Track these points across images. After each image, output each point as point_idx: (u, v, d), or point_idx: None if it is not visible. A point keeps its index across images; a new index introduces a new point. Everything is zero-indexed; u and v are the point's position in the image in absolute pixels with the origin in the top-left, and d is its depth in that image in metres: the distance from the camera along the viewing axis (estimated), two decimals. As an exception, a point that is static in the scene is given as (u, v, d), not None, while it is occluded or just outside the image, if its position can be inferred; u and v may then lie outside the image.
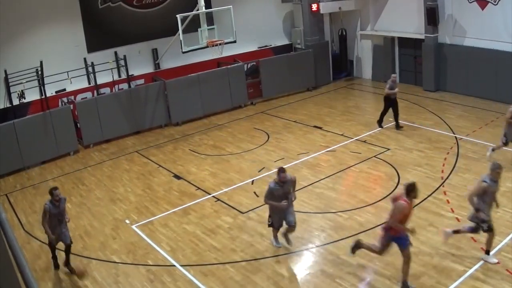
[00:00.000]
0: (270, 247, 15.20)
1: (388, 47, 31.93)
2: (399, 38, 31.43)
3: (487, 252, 13.45)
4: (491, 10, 26.04)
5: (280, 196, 14.20)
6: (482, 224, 12.98)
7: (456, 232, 13.74)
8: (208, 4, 26.33)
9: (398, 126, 23.95)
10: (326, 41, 33.25)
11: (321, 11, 31.87)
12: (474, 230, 13.38)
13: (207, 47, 24.77)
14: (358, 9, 32.67)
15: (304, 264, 14.54)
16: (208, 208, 18.05)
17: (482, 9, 26.44)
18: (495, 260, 13.36)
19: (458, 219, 15.64)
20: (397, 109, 23.88)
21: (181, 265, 14.68)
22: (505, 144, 19.27)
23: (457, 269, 13.29)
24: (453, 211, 16.20)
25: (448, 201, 16.89)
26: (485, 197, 12.94)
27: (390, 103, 23.81)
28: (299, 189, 18.53)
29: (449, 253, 14.03)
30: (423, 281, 12.92)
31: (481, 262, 13.45)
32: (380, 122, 24.28)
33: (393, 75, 24.02)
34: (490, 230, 13.07)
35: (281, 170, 14.35)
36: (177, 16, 23.50)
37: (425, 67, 29.72)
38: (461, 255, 13.89)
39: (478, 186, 12.98)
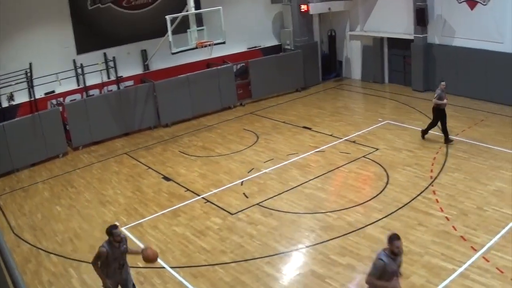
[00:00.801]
0: (260, 247, 15.19)
1: (377, 48, 31.97)
2: (388, 38, 31.48)
3: None
4: (480, 10, 26.12)
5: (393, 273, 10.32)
6: None
7: None
8: (197, 5, 26.23)
9: (447, 139, 21.78)
10: (315, 42, 33.26)
11: (311, 12, 31.88)
12: None
13: (196, 48, 24.70)
14: (348, 10, 32.71)
15: (294, 265, 14.53)
16: (198, 210, 18.01)
17: (472, 9, 26.51)
18: None
19: (447, 218, 15.70)
20: (445, 121, 21.76)
21: (171, 267, 14.63)
22: None
23: (447, 268, 13.31)
24: (442, 210, 16.23)
25: (437, 201, 16.91)
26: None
27: (440, 113, 21.64)
28: (289, 190, 18.59)
29: (438, 252, 14.05)
30: (413, 280, 12.92)
31: (471, 261, 13.50)
32: (424, 134, 22.49)
33: (442, 82, 21.46)
34: None
35: (395, 238, 10.39)
36: (166, 17, 23.42)
37: (414, 67, 29.79)
38: (450, 253, 13.92)
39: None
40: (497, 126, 22.99)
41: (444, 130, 21.75)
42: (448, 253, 13.95)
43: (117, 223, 12.12)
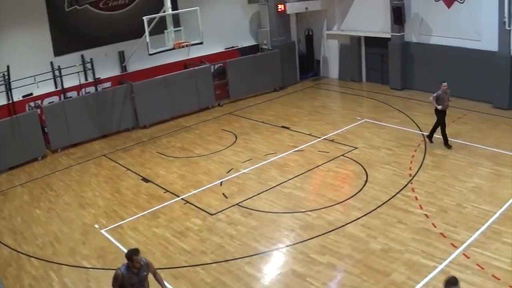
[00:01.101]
0: (240, 248, 15.18)
1: (355, 47, 32.11)
2: (366, 37, 31.64)
3: None
4: (457, 8, 26.30)
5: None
6: None
7: None
8: (174, 6, 26.21)
9: (446, 143, 21.23)
10: (292, 42, 33.31)
11: (288, 12, 31.93)
12: None
13: (173, 49, 24.66)
14: (325, 9, 32.79)
15: (274, 264, 14.54)
16: (177, 211, 17.97)
17: (448, 7, 26.67)
18: None
19: (427, 216, 15.79)
20: (445, 124, 21.24)
21: (152, 268, 14.61)
22: None
23: (427, 265, 13.38)
24: (421, 208, 16.32)
25: (416, 198, 17.01)
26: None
27: (440, 115, 21.09)
28: (268, 190, 18.60)
29: (419, 249, 14.13)
30: (393, 278, 12.99)
31: (452, 257, 13.59)
32: (430, 137, 21.72)
33: (443, 83, 21.04)
34: None
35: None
36: (144, 18, 23.35)
37: (392, 66, 29.95)
38: (431, 250, 14.01)
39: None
40: (474, 123, 23.18)
41: (434, 129, 21.50)
42: (429, 250, 14.03)
43: (137, 248, 10.88)
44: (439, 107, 20.78)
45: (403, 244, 14.45)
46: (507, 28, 24.07)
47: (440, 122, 21.13)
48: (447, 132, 21.23)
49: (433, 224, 15.32)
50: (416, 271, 13.23)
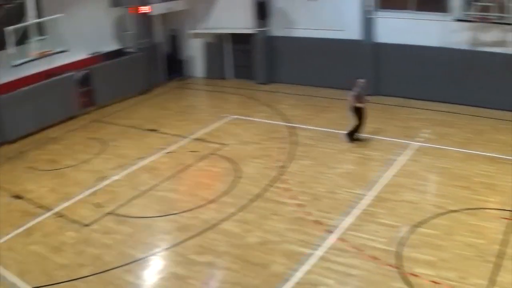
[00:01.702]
0: (118, 257, 14.79)
1: (220, 44, 32.18)
2: (231, 34, 31.71)
3: None
4: (321, 0, 26.97)
5: None
6: None
7: None
8: (38, 15, 25.35)
9: (352, 136, 21.11)
10: (157, 43, 32.99)
11: (151, 13, 31.57)
12: None
13: (37, 58, 23.90)
14: (188, 8, 32.63)
15: (154, 269, 14.27)
16: (51, 225, 17.30)
17: (312, -1, 27.29)
18: None
19: (301, 205, 16.01)
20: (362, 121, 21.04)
21: (32, 288, 14.06)
22: None
23: (305, 253, 13.55)
24: (295, 198, 16.52)
25: (289, 189, 17.18)
26: None
27: (358, 112, 20.81)
28: (141, 195, 18.30)
29: (295, 238, 14.28)
30: (273, 269, 13.05)
31: (329, 243, 13.86)
32: (351, 136, 21.18)
33: (360, 80, 20.86)
34: None
35: None
36: (5, 29, 22.46)
37: (257, 61, 30.21)
38: (307, 238, 14.18)
39: None
40: (340, 111, 23.64)
41: (355, 128, 21.05)
42: (305, 239, 14.21)
43: None
44: (360, 105, 20.73)
45: (279, 235, 14.55)
46: (369, 17, 24.81)
47: (361, 120, 20.88)
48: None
49: (307, 212, 15.53)
50: (295, 260, 13.35)
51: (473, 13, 23.46)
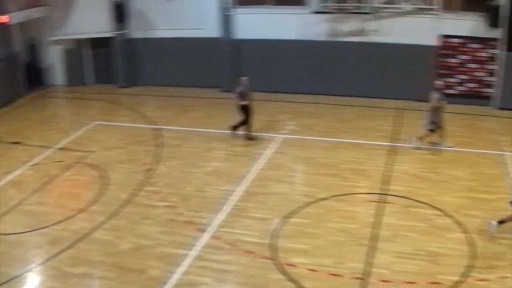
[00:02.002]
0: (-15, 278, 14.28)
1: (79, 50, 31.44)
2: (90, 39, 31.04)
3: None
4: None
5: None
6: None
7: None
8: None
9: (234, 130, 21.19)
10: (16, 52, 31.81)
11: (9, 22, 30.43)
12: None
13: None
14: (47, 15, 31.68)
15: (31, 286, 13.74)
16: None
17: (170, -1, 27.26)
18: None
19: (171, 207, 15.96)
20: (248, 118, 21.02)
21: None
22: (432, 131, 19.58)
23: (180, 254, 13.51)
24: (164, 200, 16.43)
25: (158, 191, 17.07)
26: None
27: (245, 110, 20.75)
28: (9, 211, 17.61)
29: (169, 240, 14.21)
30: (150, 274, 12.92)
31: (202, 242, 13.94)
32: (235, 129, 21.22)
33: (243, 78, 20.84)
34: None
35: None
36: None
37: (117, 64, 29.79)
38: (181, 239, 14.16)
39: None
40: (204, 110, 23.81)
41: (240, 124, 21.03)
42: (179, 240, 14.17)
43: None
44: (244, 102, 20.62)
45: (152, 239, 14.43)
46: (226, 14, 25.02)
47: (247, 118, 20.87)
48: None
49: (178, 213, 15.51)
50: (170, 262, 13.28)
51: (330, 4, 24.15)
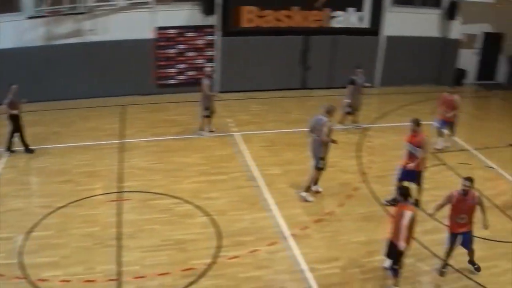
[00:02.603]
0: None
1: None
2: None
3: None
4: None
5: None
6: None
7: None
8: None
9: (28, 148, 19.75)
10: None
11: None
12: None
13: None
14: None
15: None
16: None
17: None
18: None
19: None
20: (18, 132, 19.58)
21: None
22: (208, 116, 21.29)
23: None
24: None
25: None
26: None
27: (15, 121, 19.36)
28: None
29: None
30: None
31: None
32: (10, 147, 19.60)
33: (13, 86, 19.19)
34: None
35: None
36: None
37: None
38: None
39: None
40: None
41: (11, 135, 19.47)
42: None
43: None
44: (15, 112, 19.12)
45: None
46: None
47: (17, 128, 19.43)
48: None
49: None
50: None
51: (45, 8, 23.67)
